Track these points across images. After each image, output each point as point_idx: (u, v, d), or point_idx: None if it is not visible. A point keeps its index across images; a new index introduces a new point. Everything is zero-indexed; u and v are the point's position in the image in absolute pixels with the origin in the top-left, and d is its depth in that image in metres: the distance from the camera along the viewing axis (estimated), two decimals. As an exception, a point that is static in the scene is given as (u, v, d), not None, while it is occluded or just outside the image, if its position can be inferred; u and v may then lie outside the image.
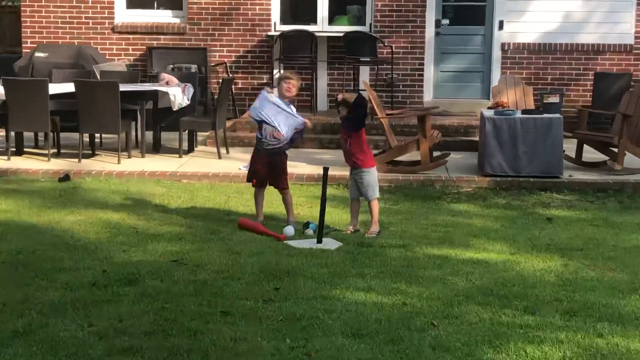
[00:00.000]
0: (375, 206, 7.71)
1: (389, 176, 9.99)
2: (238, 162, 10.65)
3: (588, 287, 6.08)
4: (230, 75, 13.35)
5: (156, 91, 10.96)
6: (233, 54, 13.58)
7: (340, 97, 7.74)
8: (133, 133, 11.58)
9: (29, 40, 13.70)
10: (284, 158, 7.91)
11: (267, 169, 7.83)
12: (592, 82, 13.06)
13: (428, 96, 13.58)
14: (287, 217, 7.92)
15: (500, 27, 13.34)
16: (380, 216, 8.19)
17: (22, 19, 13.74)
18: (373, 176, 7.71)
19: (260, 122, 7.80)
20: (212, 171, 10.11)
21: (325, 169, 7.46)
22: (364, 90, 11.36)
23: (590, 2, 13.21)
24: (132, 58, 13.65)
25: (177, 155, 11.07)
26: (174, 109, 10.92)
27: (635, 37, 13.19)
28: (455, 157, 11.12)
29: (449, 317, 5.41)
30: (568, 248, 7.22)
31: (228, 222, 7.94)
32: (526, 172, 9.95)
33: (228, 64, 13.51)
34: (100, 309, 5.41)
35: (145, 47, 13.50)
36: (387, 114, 10.67)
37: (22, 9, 13.72)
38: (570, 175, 10.14)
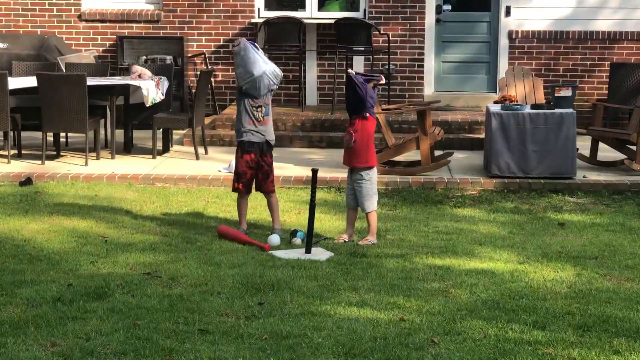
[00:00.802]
0: (373, 218, 7.72)
1: (386, 178, 10.00)
2: (218, 163, 10.65)
3: (603, 299, 6.11)
4: (210, 67, 13.36)
5: (127, 85, 10.96)
6: (212, 44, 13.58)
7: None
8: (102, 132, 11.57)
9: (-14, 30, 13.68)
10: (271, 155, 7.94)
11: (254, 169, 7.84)
12: (607, 74, 13.10)
13: (429, 89, 13.61)
14: (272, 224, 7.93)
15: (508, 13, 13.38)
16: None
17: (-22, 5, 13.72)
18: (372, 185, 7.71)
19: (266, 93, 7.78)
20: (189, 174, 10.11)
21: (315, 171, 7.47)
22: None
23: (606, -14, 13.26)
24: (101, 49, 13.64)
25: (151, 156, 11.07)
26: (147, 105, 10.92)
27: (656, 24, 13.26)
28: (459, 157, 11.15)
29: (450, 333, 5.42)
30: (582, 256, 7.25)
31: (206, 230, 7.94)
32: (536, 173, 9.98)
33: (207, 55, 13.51)
34: (65, 327, 5.40)
35: (115, 36, 13.49)
36: (383, 109, 10.69)
37: (-22, -6, 13.70)
38: (584, 176, 10.17)
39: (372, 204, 7.69)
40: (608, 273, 6.78)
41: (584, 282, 6.52)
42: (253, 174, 7.88)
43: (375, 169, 7.81)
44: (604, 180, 10.00)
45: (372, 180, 7.73)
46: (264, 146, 7.89)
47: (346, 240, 7.68)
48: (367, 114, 7.65)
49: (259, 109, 7.82)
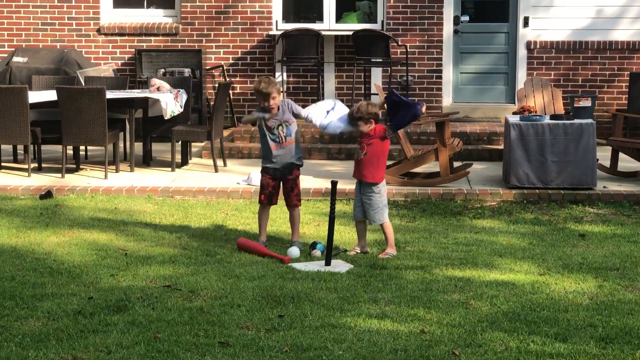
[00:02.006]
0: (389, 228, 7.68)
1: (405, 190, 9.99)
2: (236, 175, 10.67)
3: (625, 311, 6.07)
4: (228, 79, 13.40)
5: (146, 98, 11.01)
6: (230, 56, 13.63)
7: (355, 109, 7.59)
8: (121, 144, 11.62)
9: (6, 44, 13.78)
10: (298, 169, 7.91)
11: (278, 181, 7.84)
12: (627, 84, 13.06)
13: (447, 100, 13.60)
14: (291, 236, 7.92)
15: (526, 23, 13.37)
16: (395, 235, 8.20)
17: (-2, 20, 13.82)
18: (382, 197, 7.65)
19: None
20: (208, 186, 10.13)
21: (334, 183, 7.46)
22: (377, 94, 11.38)
23: (624, -5, 13.23)
24: (119, 62, 13.71)
25: (170, 169, 11.10)
26: (166, 118, 10.96)
27: (675, 33, 13.22)
28: (478, 168, 11.13)
29: (471, 345, 5.40)
30: (603, 267, 7.21)
31: (226, 242, 7.95)
32: (556, 184, 9.95)
33: (225, 67, 13.56)
34: (85, 340, 5.42)
35: (134, 49, 13.56)
36: (401, 121, 10.66)
37: (-2, 9, 13.80)
38: (604, 187, 10.13)
39: (382, 215, 7.63)
40: (630, 284, 6.74)
41: (605, 294, 6.49)
42: (276, 185, 7.87)
43: (384, 182, 7.75)
44: (625, 191, 9.96)
45: (382, 192, 7.66)
46: (289, 167, 7.83)
47: (358, 251, 7.65)
48: (387, 135, 7.59)
49: (279, 129, 7.76)
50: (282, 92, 13.24)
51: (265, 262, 7.30)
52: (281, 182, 7.85)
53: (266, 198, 7.86)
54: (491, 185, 10.29)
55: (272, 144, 7.76)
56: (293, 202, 7.88)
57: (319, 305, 6.09)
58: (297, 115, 7.87)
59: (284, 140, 7.76)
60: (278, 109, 7.72)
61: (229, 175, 10.80)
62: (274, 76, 13.43)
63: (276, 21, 13.56)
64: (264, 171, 7.86)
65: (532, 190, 9.93)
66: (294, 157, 7.83)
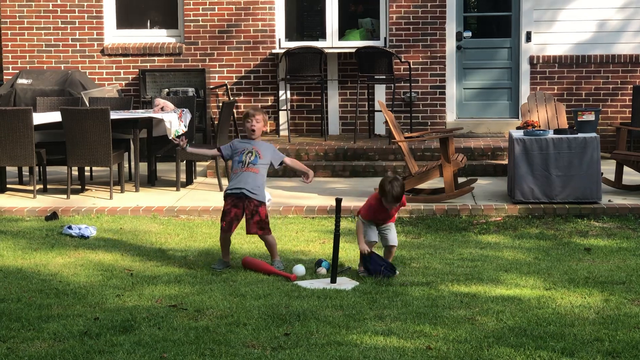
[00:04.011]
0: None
1: (410, 206, 10.00)
2: (242, 194, 10.68)
3: (632, 325, 6.06)
4: (232, 98, 13.44)
5: (150, 118, 11.04)
6: (234, 75, 13.68)
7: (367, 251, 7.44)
8: (126, 165, 11.65)
9: (10, 66, 13.84)
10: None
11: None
12: (630, 97, 13.07)
13: (451, 116, 13.62)
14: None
15: (528, 38, 13.40)
16: (400, 251, 8.22)
17: (2, 42, 13.89)
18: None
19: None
20: (213, 205, 10.15)
21: (339, 200, 7.47)
22: (380, 111, 11.39)
23: (626, 9, 13.26)
24: (123, 82, 13.76)
25: (175, 189, 11.12)
26: (170, 137, 10.98)
27: (678, 46, 13.24)
28: (483, 183, 11.13)
29: (478, 361, 5.40)
30: (609, 281, 7.20)
31: (231, 261, 7.95)
32: (560, 198, 9.95)
33: (229, 86, 13.60)
34: (92, 361, 5.42)
35: (137, 70, 13.61)
36: (405, 137, 10.71)
37: (2, 31, 13.87)
38: (609, 200, 10.13)
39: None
40: (636, 298, 6.73)
41: (612, 308, 6.48)
42: (238, 213, 7.66)
43: None
44: (630, 204, 9.95)
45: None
46: (243, 196, 7.66)
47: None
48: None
49: (248, 155, 7.73)
50: (286, 110, 13.30)
51: (271, 280, 7.30)
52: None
53: (227, 225, 7.69)
54: (496, 200, 10.29)
55: (235, 166, 7.75)
56: (252, 229, 7.68)
57: (325, 323, 6.09)
58: (276, 163, 7.84)
59: (245, 166, 7.68)
60: (257, 140, 7.78)
61: (234, 194, 10.79)
62: (278, 94, 13.47)
63: (279, 39, 13.61)
64: (225, 197, 7.78)
65: (537, 205, 9.93)
66: (249, 185, 7.62)
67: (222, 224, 7.73)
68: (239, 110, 13.62)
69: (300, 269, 7.54)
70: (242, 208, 7.66)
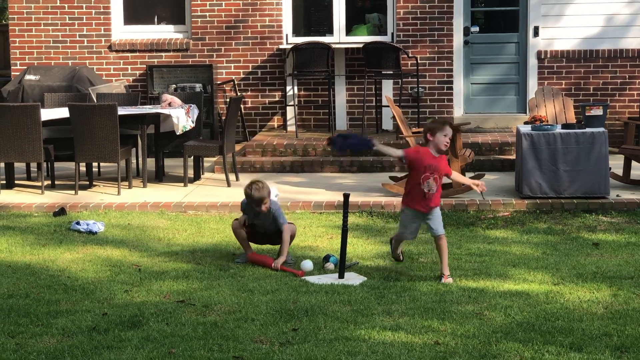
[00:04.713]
0: (446, 244, 7.33)
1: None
2: (250, 189, 10.68)
3: (641, 320, 6.06)
4: (239, 93, 13.43)
5: (158, 114, 11.05)
6: (241, 71, 13.67)
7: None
8: (134, 160, 11.66)
9: (18, 62, 13.85)
10: None
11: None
12: (639, 91, 13.05)
13: (458, 111, 13.60)
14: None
15: (536, 33, 13.37)
16: (408, 246, 8.21)
17: (10, 38, 13.90)
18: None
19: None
20: (221, 201, 10.15)
21: (346, 196, 7.46)
22: (387, 106, 11.38)
23: (634, 4, 13.22)
24: (131, 78, 13.77)
25: (182, 184, 11.13)
26: (178, 133, 11.00)
27: (686, 40, 13.20)
28: (490, 178, 11.12)
29: (486, 356, 5.39)
30: (617, 276, 7.19)
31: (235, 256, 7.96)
32: (568, 193, 9.93)
33: (236, 82, 13.60)
34: (100, 356, 5.43)
35: (145, 65, 13.62)
36: (413, 132, 10.69)
37: (10, 28, 13.88)
38: (617, 195, 10.10)
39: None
40: (644, 293, 6.73)
41: (620, 303, 6.47)
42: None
43: None
44: (638, 199, 9.93)
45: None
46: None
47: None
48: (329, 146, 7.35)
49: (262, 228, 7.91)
50: (294, 105, 13.30)
51: (279, 275, 7.31)
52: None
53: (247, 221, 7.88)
54: (504, 195, 10.28)
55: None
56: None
57: (333, 318, 6.09)
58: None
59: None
60: (267, 210, 7.78)
61: (242, 190, 10.75)
62: (285, 90, 13.46)
63: (286, 35, 13.60)
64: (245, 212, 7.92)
65: (544, 200, 9.91)
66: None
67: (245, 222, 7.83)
68: (246, 105, 13.62)
69: (308, 264, 7.54)
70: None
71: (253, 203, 7.74)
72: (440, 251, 7.20)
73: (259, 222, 7.85)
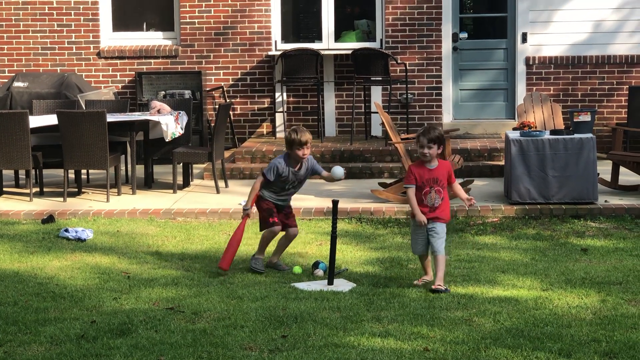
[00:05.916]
0: (444, 261, 7.19)
1: (407, 207, 9.97)
2: (238, 196, 10.67)
3: (629, 325, 6.06)
4: (228, 100, 13.43)
5: (147, 121, 11.03)
6: (230, 77, 13.67)
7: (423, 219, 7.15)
8: (123, 167, 11.63)
9: (6, 69, 13.82)
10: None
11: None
12: (626, 97, 13.08)
13: (447, 117, 13.62)
14: (274, 255, 7.90)
15: (524, 39, 13.41)
16: (397, 252, 8.21)
17: (-2, 45, 13.87)
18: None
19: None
20: (210, 207, 10.14)
21: (335, 202, 7.47)
22: (377, 112, 11.38)
23: (622, 10, 13.27)
24: (120, 85, 13.75)
25: (171, 191, 11.11)
26: (167, 140, 10.98)
27: (674, 46, 13.25)
28: (479, 184, 11.13)
29: (475, 363, 5.40)
30: (606, 282, 7.20)
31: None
32: (557, 199, 9.95)
33: (225, 88, 13.59)
34: (89, 364, 5.41)
35: (134, 72, 13.60)
36: (402, 139, 10.70)
37: (-2, 34, 13.85)
38: (605, 201, 10.13)
39: (443, 244, 7.22)
40: (633, 298, 6.73)
41: (609, 308, 6.48)
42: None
43: None
44: (626, 205, 9.96)
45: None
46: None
47: (427, 280, 7.24)
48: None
49: (292, 188, 7.93)
50: (283, 112, 13.30)
51: (268, 282, 7.30)
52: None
53: (279, 219, 7.79)
54: (493, 201, 10.29)
55: (281, 190, 7.82)
56: (293, 223, 7.90)
57: (322, 325, 6.09)
58: (314, 173, 7.91)
59: (289, 196, 7.92)
60: (302, 165, 7.76)
61: (231, 196, 10.80)
62: (274, 96, 13.47)
63: (275, 41, 13.60)
64: (267, 198, 7.82)
65: (533, 206, 9.93)
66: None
67: (273, 219, 7.75)
68: (235, 112, 13.61)
69: (338, 171, 7.67)
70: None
71: (298, 147, 7.61)
72: (437, 266, 7.11)
73: (293, 179, 7.75)
